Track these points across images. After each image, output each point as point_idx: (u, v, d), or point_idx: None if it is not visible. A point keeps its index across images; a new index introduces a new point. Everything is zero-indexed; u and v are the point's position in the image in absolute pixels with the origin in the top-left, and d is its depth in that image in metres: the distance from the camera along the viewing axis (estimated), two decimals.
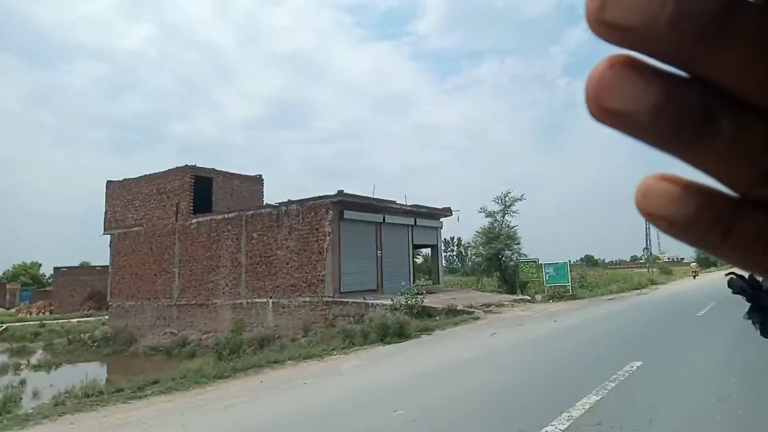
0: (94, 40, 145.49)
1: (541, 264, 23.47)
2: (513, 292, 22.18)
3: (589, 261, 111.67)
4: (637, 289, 25.16)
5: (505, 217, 25.08)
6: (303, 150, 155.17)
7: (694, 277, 35.39)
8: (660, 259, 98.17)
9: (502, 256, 24.38)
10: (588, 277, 26.79)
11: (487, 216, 25.33)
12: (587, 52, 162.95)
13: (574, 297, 20.63)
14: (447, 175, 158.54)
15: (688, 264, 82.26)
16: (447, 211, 21.22)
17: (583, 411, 4.08)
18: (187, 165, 19.90)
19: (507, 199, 25.12)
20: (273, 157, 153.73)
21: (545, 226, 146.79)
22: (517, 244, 24.71)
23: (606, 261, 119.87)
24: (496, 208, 25.28)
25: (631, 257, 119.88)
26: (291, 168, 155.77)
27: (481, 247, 25.53)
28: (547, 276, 22.19)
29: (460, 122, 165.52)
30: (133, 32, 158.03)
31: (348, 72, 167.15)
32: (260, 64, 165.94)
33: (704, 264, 67.10)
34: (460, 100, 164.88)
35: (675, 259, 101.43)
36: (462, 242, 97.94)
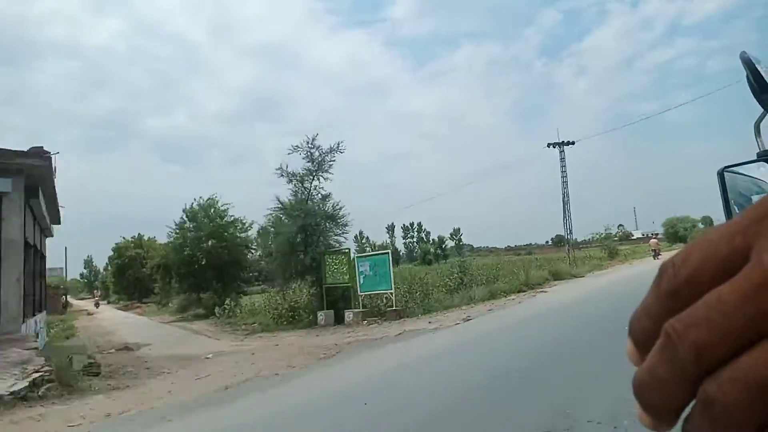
0: (61, 37, 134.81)
1: (353, 257, 13.69)
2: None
3: (560, 241, 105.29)
4: (522, 290, 15.62)
5: (315, 182, 14.80)
6: (280, 142, 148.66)
7: (655, 256, 28.48)
8: (632, 236, 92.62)
9: (309, 245, 14.23)
10: (474, 270, 17.09)
11: (289, 181, 14.99)
12: (561, 33, 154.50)
13: (398, 316, 11.00)
14: (427, 162, 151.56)
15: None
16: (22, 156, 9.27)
17: None
18: None
19: (315, 151, 14.67)
20: (251, 150, 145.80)
21: (529, 209, 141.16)
22: (339, 224, 14.55)
23: (579, 239, 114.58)
24: (305, 167, 14.89)
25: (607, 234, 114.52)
26: (270, 161, 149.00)
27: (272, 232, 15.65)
28: (361, 278, 12.35)
29: (438, 109, 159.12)
30: (102, 27, 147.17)
31: (323, 61, 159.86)
32: (233, 56, 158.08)
33: (672, 238, 62.65)
34: (437, 86, 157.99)
35: (650, 235, 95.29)
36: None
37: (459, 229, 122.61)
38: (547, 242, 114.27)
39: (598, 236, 39.40)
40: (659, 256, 27.15)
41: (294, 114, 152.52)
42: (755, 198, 1.17)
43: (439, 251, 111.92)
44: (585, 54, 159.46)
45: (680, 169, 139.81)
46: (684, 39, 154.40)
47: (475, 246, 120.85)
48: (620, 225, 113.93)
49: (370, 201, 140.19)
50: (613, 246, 41.02)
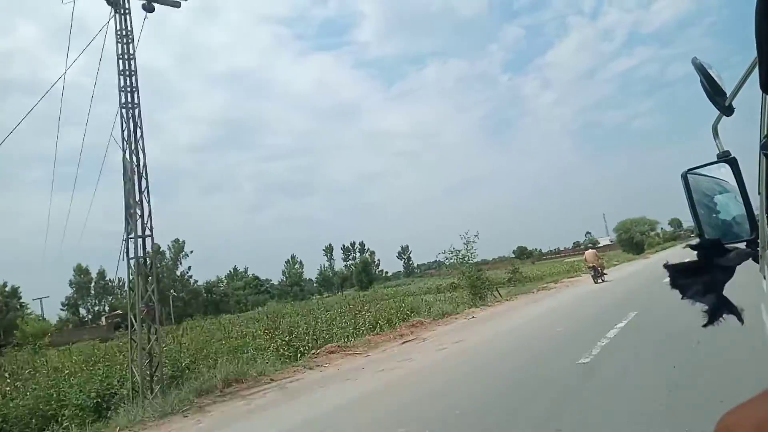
0: (21, 74, 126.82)
1: None
2: None
3: (522, 253, 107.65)
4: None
5: None
6: (254, 168, 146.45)
7: (597, 277, 18.65)
8: (598, 243, 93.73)
9: None
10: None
11: None
12: (524, 48, 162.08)
13: None
14: (403, 179, 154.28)
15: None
16: None
17: None
18: None
19: None
20: (225, 179, 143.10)
21: (506, 220, 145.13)
22: None
23: (544, 251, 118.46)
24: None
25: (574, 243, 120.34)
26: (245, 188, 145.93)
27: None
28: None
29: (410, 127, 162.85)
30: (64, 63, 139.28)
31: (293, 85, 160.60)
32: (202, 85, 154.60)
33: (627, 245, 53.56)
34: (407, 104, 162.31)
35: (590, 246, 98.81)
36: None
37: (407, 247, 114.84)
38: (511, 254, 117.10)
39: (449, 257, 19.81)
40: (603, 277, 18.64)
41: (267, 140, 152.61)
42: (718, 198, 1.20)
43: (379, 272, 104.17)
44: (549, 67, 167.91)
45: (649, 174, 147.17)
46: (643, 48, 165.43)
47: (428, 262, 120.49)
48: (588, 233, 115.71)
49: (349, 221, 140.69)
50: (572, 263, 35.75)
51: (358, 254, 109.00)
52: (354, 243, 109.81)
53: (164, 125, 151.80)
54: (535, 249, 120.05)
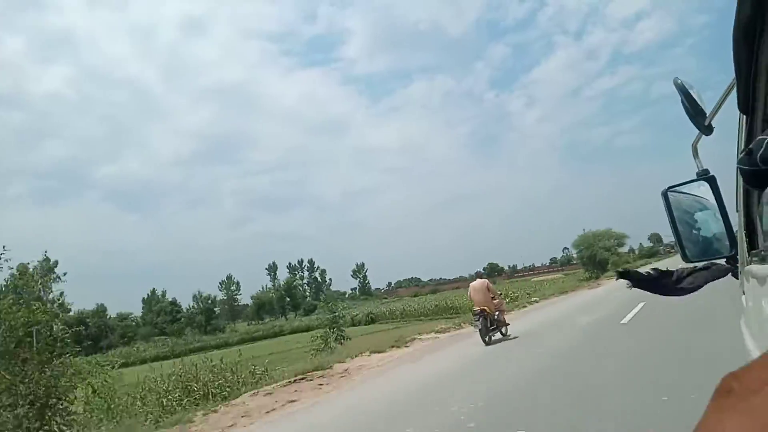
0: (5, 87, 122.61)
1: None
2: None
3: (493, 269, 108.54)
4: None
5: None
6: (240, 184, 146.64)
7: (488, 334, 10.08)
8: (573, 260, 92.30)
9: None
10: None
11: None
12: (510, 66, 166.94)
13: None
14: (390, 196, 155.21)
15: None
16: None
17: None
18: None
19: None
20: (209, 194, 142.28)
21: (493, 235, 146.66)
22: None
23: (519, 267, 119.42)
24: None
25: (551, 259, 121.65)
26: (227, 203, 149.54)
27: None
28: None
29: (397, 143, 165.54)
30: (48, 75, 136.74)
31: (280, 101, 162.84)
32: (188, 99, 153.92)
33: (591, 266, 44.51)
34: (395, 120, 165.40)
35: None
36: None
37: (363, 265, 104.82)
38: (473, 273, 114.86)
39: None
40: (502, 329, 10.70)
41: (253, 155, 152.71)
42: (698, 215, 1.23)
43: (321, 293, 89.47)
44: (535, 85, 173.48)
45: (632, 190, 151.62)
46: (627, 67, 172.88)
47: (399, 280, 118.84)
48: (565, 248, 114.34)
49: (336, 238, 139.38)
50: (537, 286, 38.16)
51: (306, 273, 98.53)
52: (302, 261, 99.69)
53: (150, 140, 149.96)
54: (510, 265, 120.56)
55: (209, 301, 72.74)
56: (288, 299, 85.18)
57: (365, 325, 37.87)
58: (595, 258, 45.44)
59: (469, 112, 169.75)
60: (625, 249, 52.68)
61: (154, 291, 73.27)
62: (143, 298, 73.00)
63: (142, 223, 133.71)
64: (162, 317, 67.05)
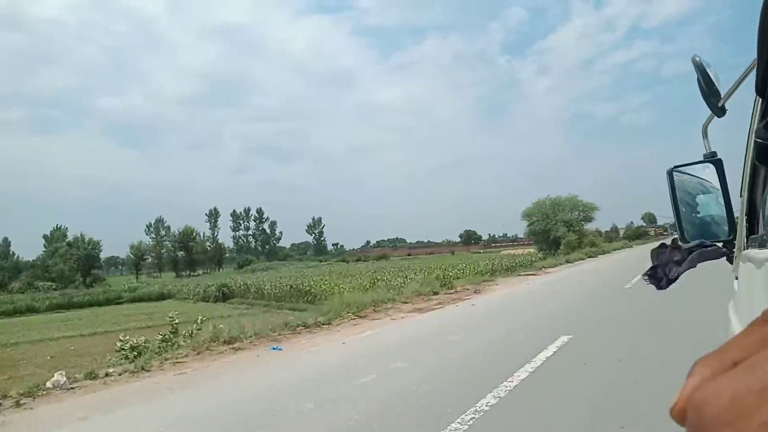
0: (3, 7, 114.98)
1: None
2: None
3: (470, 237, 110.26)
4: None
5: None
6: (243, 129, 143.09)
7: None
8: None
9: None
10: None
11: None
12: (525, 30, 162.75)
13: None
14: (390, 155, 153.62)
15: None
16: None
17: None
18: None
19: None
20: (212, 136, 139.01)
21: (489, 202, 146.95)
22: None
23: (499, 236, 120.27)
24: None
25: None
26: (231, 148, 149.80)
27: None
28: None
29: (404, 101, 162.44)
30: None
31: (287, 46, 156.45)
32: (193, 36, 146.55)
33: (545, 244, 33.78)
34: (403, 78, 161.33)
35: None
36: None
37: (320, 219, 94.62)
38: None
39: None
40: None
41: (256, 100, 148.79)
42: (699, 198, 1.24)
43: (268, 246, 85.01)
44: (548, 52, 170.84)
45: (634, 168, 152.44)
46: (643, 42, 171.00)
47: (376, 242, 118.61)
48: None
49: (330, 192, 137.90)
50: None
51: (252, 223, 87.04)
52: (248, 209, 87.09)
53: (153, 75, 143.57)
54: (490, 234, 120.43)
55: (90, 246, 58.05)
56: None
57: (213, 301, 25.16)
58: (548, 235, 34.03)
59: (479, 75, 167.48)
60: (592, 225, 40.47)
61: (58, 227, 59.96)
62: (45, 235, 59.63)
63: (139, 159, 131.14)
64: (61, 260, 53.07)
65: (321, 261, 66.35)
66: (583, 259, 27.65)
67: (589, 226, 40.09)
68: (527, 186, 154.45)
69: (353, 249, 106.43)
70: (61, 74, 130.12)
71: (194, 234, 74.28)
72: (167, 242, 73.97)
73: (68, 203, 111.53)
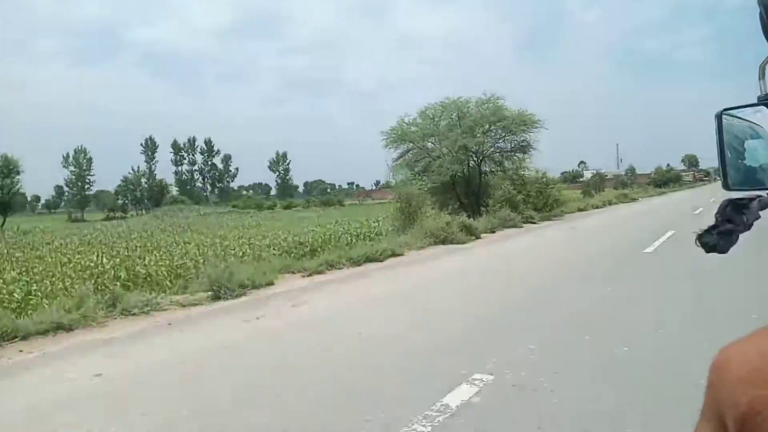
0: None
1: None
2: None
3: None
4: None
5: None
6: (277, 61, 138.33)
7: None
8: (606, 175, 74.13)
9: None
10: None
11: None
12: None
13: None
14: (429, 89, 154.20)
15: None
16: None
17: None
18: None
19: None
20: (246, 68, 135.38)
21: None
22: None
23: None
24: None
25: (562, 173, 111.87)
26: (265, 80, 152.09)
27: None
28: None
29: (443, 33, 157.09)
30: None
31: None
32: None
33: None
34: (445, 5, 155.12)
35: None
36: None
37: (285, 155, 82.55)
38: None
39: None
40: None
41: (290, 31, 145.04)
42: (748, 143, 1.18)
43: (220, 185, 74.06)
44: None
45: (682, 109, 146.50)
46: None
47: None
48: (581, 162, 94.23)
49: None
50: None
51: (199, 156, 75.10)
52: (193, 139, 75.38)
53: (185, 5, 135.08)
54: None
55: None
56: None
57: None
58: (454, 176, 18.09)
59: (525, 4, 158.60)
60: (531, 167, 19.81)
61: None
62: None
63: (172, 90, 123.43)
64: None
65: (235, 207, 51.49)
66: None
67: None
68: (566, 125, 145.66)
69: (363, 187, 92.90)
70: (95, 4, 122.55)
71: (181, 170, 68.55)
72: (90, 176, 67.32)
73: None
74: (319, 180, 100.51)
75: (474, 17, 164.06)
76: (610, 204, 29.91)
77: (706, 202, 21.86)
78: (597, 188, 37.43)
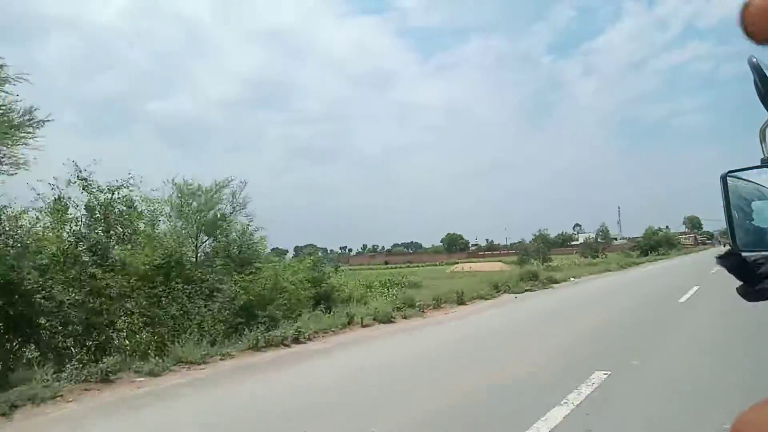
0: (65, 13, 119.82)
1: None
2: None
3: (452, 243, 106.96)
4: None
5: None
6: (283, 131, 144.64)
7: None
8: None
9: None
10: None
11: None
12: (574, 29, 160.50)
13: None
14: (430, 155, 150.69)
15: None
16: None
17: None
18: None
19: None
20: (253, 138, 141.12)
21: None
22: None
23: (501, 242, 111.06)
24: None
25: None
26: (272, 149, 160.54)
27: None
28: None
29: (444, 102, 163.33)
30: (107, 5, 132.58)
31: (331, 48, 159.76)
32: (239, 41, 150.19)
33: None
34: (444, 79, 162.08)
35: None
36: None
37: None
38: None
39: None
40: None
41: (298, 103, 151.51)
42: (755, 204, 1.19)
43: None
44: (596, 53, 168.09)
45: (682, 174, 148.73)
46: (698, 42, 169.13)
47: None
48: (577, 224, 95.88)
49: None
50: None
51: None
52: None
53: (199, 79, 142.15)
54: (476, 243, 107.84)
55: None
56: None
57: None
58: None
59: (522, 76, 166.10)
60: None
61: None
62: None
63: (182, 158, 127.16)
64: None
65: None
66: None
67: None
68: (564, 189, 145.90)
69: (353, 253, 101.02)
70: (113, 78, 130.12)
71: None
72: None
73: None
74: (311, 244, 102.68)
75: (473, 87, 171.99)
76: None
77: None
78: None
